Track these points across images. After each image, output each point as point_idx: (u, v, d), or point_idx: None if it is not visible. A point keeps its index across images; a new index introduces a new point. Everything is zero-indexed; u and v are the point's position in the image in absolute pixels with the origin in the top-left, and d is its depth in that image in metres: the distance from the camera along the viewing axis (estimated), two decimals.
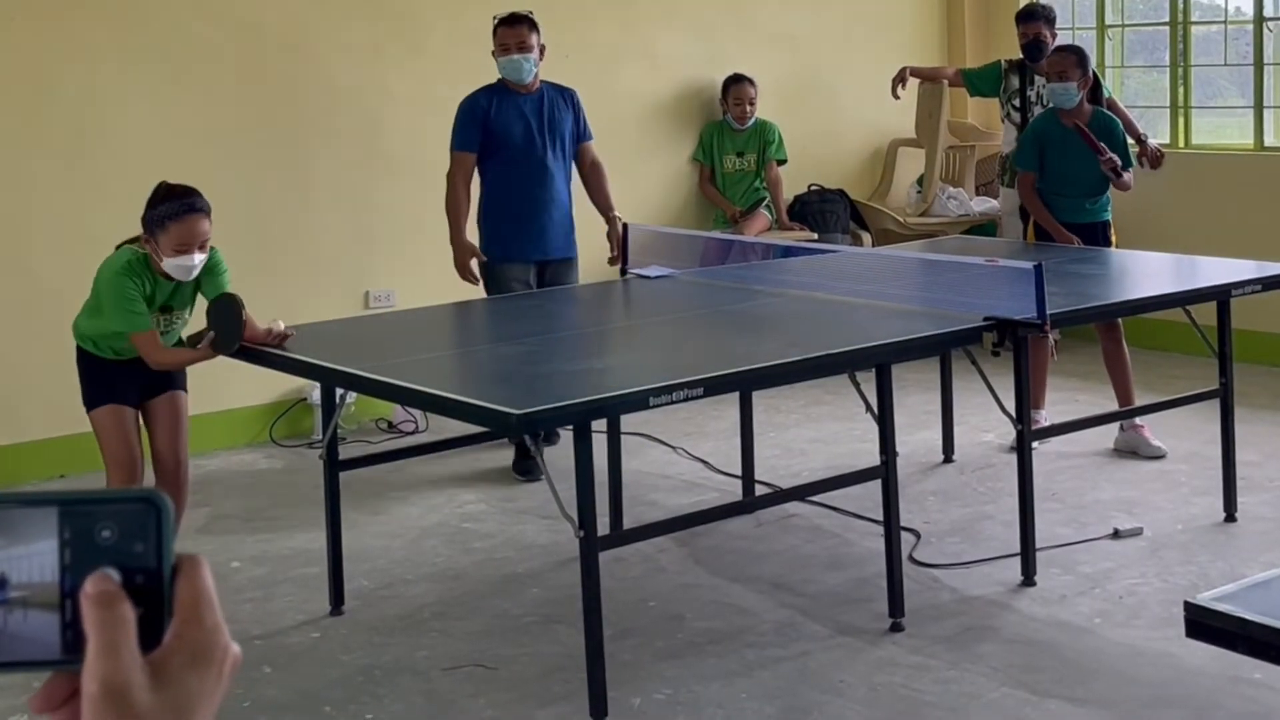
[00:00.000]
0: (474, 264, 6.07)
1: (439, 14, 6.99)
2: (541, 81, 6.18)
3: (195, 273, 4.42)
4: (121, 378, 4.61)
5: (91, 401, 4.62)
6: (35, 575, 0.78)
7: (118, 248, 4.53)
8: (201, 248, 4.39)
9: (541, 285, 6.17)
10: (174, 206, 4.36)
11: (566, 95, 6.25)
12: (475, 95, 6.15)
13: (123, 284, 4.41)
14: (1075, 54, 6.13)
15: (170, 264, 4.36)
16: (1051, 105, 6.24)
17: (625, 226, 5.98)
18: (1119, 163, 5.90)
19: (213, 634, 0.79)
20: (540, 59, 6.11)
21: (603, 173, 6.31)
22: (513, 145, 6.10)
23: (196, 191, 4.40)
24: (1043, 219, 6.17)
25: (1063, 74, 6.03)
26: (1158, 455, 5.87)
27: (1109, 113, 6.27)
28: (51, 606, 0.78)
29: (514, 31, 6.08)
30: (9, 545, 0.78)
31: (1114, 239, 6.39)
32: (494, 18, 6.19)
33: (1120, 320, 5.86)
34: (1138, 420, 5.90)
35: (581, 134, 6.30)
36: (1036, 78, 7.26)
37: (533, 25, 6.10)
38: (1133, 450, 5.93)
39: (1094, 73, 6.86)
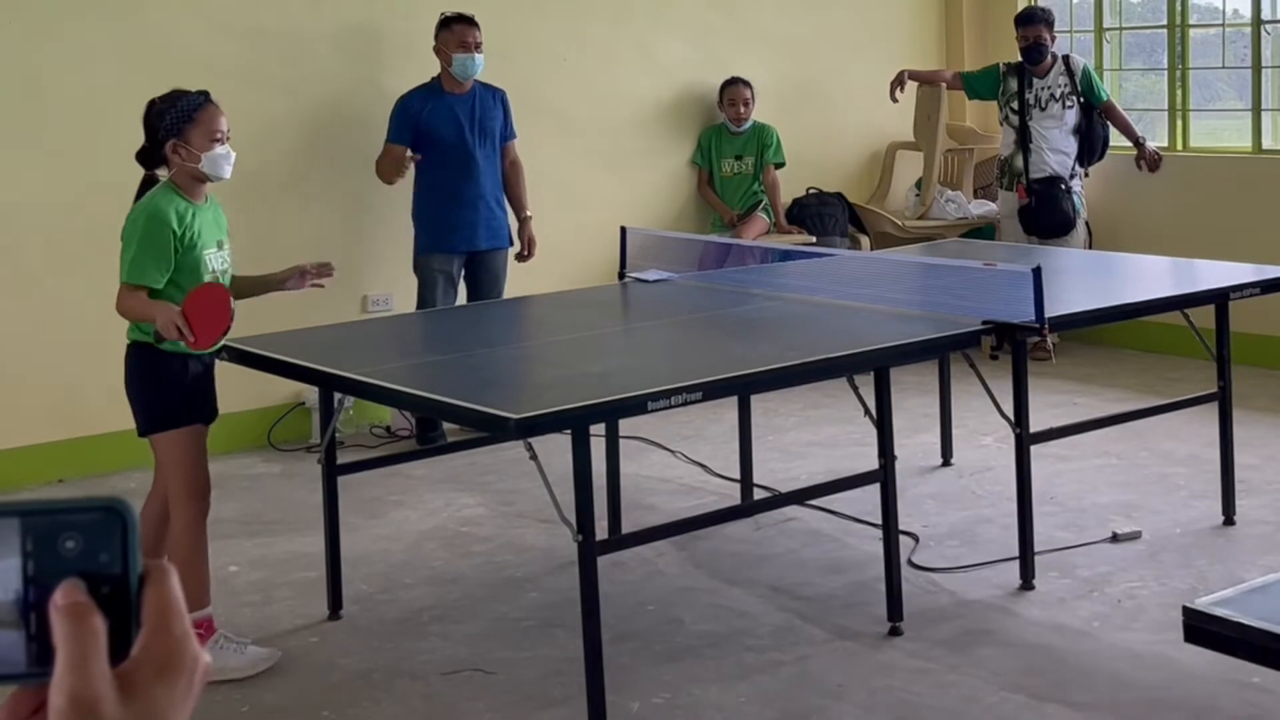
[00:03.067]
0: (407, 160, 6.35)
1: (438, 16, 6.99)
2: (474, 81, 6.50)
3: (230, 169, 4.12)
4: (201, 388, 4.17)
5: (171, 419, 4.10)
6: None
7: (141, 191, 4.13)
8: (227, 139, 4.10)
9: (469, 274, 6.57)
10: (194, 97, 4.09)
11: (496, 95, 6.59)
12: (410, 96, 6.49)
13: (160, 228, 3.95)
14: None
15: (210, 158, 4.03)
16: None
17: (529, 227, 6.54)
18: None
19: (181, 643, 0.77)
20: None
21: (521, 172, 6.66)
22: (443, 143, 6.43)
23: None
24: None
25: None
26: None
27: None
28: (15, 620, 0.76)
29: (473, 31, 6.44)
30: None
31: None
32: (448, 14, 6.48)
33: None
34: None
35: (508, 133, 6.63)
36: (1035, 80, 7.26)
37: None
38: None
39: (1090, 75, 6.86)
